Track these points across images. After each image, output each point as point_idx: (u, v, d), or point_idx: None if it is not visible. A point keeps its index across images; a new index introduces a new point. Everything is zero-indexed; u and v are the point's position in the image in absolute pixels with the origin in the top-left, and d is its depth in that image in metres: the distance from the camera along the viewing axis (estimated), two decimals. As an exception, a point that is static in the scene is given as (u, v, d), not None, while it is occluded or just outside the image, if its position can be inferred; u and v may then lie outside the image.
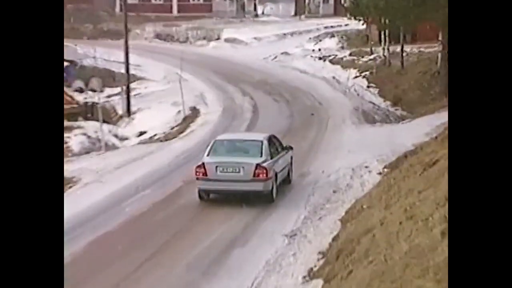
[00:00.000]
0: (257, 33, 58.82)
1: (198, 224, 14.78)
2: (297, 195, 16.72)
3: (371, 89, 35.49)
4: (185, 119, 29.71)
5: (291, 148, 18.49)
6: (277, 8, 74.80)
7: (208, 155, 16.53)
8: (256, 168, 15.84)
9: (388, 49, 38.72)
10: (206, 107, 31.58)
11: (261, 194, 16.00)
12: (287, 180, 17.79)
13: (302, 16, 71.20)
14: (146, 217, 15.33)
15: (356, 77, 37.93)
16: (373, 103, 32.45)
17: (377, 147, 21.17)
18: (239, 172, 15.94)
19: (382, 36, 40.33)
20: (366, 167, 18.91)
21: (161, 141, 26.16)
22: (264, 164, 16.01)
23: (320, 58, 44.68)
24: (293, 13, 73.32)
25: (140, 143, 26.74)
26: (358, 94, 34.72)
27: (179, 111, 30.59)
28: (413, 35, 43.61)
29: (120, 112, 32.33)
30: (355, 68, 39.52)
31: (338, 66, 41.51)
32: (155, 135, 27.97)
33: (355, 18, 42.46)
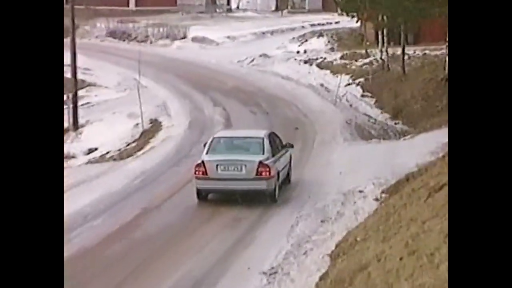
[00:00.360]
0: (231, 31, 59.00)
1: (157, 259, 14.71)
2: (277, 225, 16.72)
3: (366, 98, 35.68)
4: (144, 133, 29.65)
5: (291, 146, 20.66)
6: (255, 2, 75.15)
7: (207, 153, 18.47)
8: (258, 166, 17.94)
9: (386, 51, 38.98)
10: (169, 119, 31.56)
11: (264, 193, 18.07)
12: (286, 180, 19.85)
13: (285, 12, 71.60)
14: (96, 253, 15.22)
15: (348, 84, 38.13)
16: (369, 116, 32.61)
17: (373, 168, 21.26)
18: (241, 170, 18.03)
19: (380, 36, 40.61)
20: (360, 192, 18.97)
21: (114, 160, 26.07)
22: (267, 162, 18.14)
23: (305, 62, 44.88)
24: (273, 7, 73.73)
25: (89, 162, 26.62)
26: (351, 105, 34.88)
27: (136, 124, 30.53)
28: (416, 34, 44.00)
29: (65, 124, 32.20)
30: (347, 74, 39.73)
31: (327, 71, 41.70)
32: (107, 152, 27.87)
33: (347, 14, 42.82)
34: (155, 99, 35.02)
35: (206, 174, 17.99)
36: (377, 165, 21.71)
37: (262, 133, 19.66)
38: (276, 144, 19.44)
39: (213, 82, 40.54)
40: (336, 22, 58.53)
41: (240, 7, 75.93)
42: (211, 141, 18.91)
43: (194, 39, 56.73)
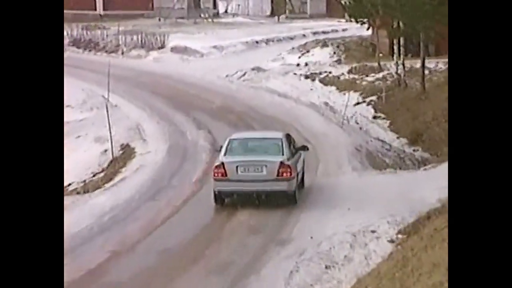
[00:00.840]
0: (218, 40, 59.19)
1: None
2: (273, 271, 16.68)
3: (379, 120, 35.77)
4: (113, 161, 29.62)
5: (306, 148, 23.59)
6: (247, 5, 75.46)
7: (225, 154, 21.07)
8: (280, 166, 20.47)
9: (403, 64, 39.13)
10: (144, 145, 31.55)
11: (285, 194, 20.68)
12: (300, 184, 22.24)
13: (282, 17, 71.97)
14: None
15: (358, 103, 38.24)
16: (382, 141, 32.66)
17: (388, 204, 21.26)
18: (261, 171, 20.60)
19: (395, 46, 40.78)
20: (373, 232, 18.95)
21: (78, 193, 26.03)
22: (288, 162, 20.72)
23: (307, 77, 45.01)
24: (269, 12, 74.14)
25: (48, 195, 26.58)
26: (360, 128, 34.96)
27: (105, 151, 30.51)
28: (438, 45, 44.15)
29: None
30: (356, 91, 39.84)
31: (333, 88, 41.82)
32: (69, 184, 27.84)
33: (356, 21, 43.03)
34: (127, 121, 35.02)
35: (226, 175, 20.53)
36: (392, 200, 21.71)
37: (280, 134, 22.64)
38: (293, 145, 22.25)
39: (196, 100, 40.60)
40: (343, 30, 58.85)
41: (229, 11, 76.25)
42: (228, 143, 21.53)
43: (174, 49, 56.88)
